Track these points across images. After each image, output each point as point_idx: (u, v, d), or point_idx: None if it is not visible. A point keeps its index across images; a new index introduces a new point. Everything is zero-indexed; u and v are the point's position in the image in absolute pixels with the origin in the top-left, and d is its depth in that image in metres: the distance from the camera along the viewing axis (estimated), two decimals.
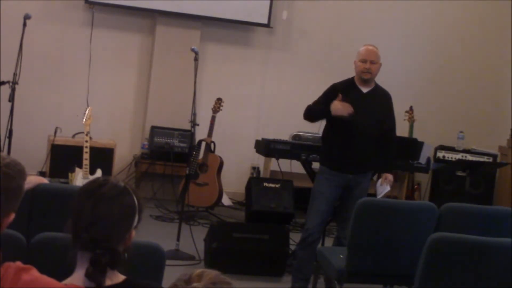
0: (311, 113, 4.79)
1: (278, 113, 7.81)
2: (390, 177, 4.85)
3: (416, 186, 7.62)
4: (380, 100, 4.81)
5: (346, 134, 4.68)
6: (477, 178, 6.98)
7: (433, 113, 8.06)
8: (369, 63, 4.66)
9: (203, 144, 6.78)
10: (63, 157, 6.55)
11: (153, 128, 7.26)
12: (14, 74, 5.73)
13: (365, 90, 4.75)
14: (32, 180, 3.27)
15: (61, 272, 1.91)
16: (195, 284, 1.46)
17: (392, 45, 7.66)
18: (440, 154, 7.65)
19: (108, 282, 1.89)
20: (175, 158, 7.10)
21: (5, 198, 1.83)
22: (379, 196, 4.88)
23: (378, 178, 5.29)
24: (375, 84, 4.80)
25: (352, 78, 4.79)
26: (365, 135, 4.70)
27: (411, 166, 6.47)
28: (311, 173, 5.94)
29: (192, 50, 5.66)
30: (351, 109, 4.55)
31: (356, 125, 4.64)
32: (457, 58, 8.16)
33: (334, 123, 4.71)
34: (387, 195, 4.97)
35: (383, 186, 4.85)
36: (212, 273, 1.50)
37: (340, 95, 4.58)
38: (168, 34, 7.39)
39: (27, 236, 2.53)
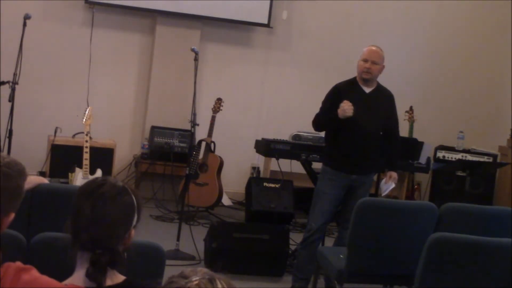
0: (320, 124, 4.80)
1: (278, 113, 7.81)
2: (394, 175, 4.85)
3: (416, 186, 7.62)
4: (383, 100, 4.80)
5: (349, 135, 4.66)
6: (477, 178, 6.98)
7: (433, 113, 8.06)
8: (370, 63, 4.64)
9: (203, 144, 6.78)
10: (63, 157, 6.55)
11: (153, 128, 7.26)
12: (14, 74, 5.73)
13: (367, 90, 4.74)
14: (32, 180, 3.27)
15: (61, 272, 1.91)
16: (195, 278, 1.46)
17: (392, 45, 7.65)
18: (440, 154, 7.64)
19: (108, 282, 1.89)
20: (175, 158, 7.10)
21: (4, 197, 1.83)
22: (384, 194, 4.88)
23: (379, 177, 5.30)
24: (378, 84, 4.79)
25: (354, 78, 4.77)
26: (368, 135, 4.69)
27: (411, 166, 6.47)
28: (311, 173, 5.95)
29: (192, 50, 5.66)
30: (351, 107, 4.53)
31: (359, 125, 4.62)
32: (457, 58, 8.16)
33: (337, 123, 4.69)
34: (385, 195, 4.97)
35: (388, 184, 4.85)
36: (203, 269, 1.50)
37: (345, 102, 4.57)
38: (168, 34, 7.39)
39: (27, 236, 2.53)
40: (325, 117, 4.72)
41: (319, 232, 4.79)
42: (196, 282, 1.44)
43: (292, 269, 5.04)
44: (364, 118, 4.64)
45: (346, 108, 4.52)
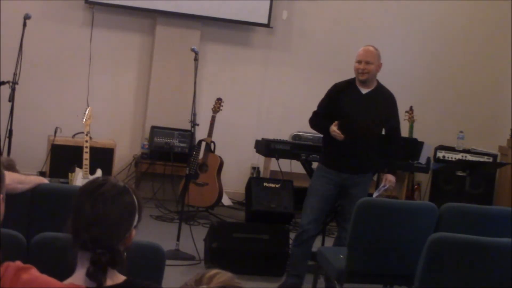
0: (315, 127, 4.94)
1: (278, 113, 7.81)
2: (389, 177, 4.82)
3: (416, 186, 7.62)
4: (381, 101, 4.79)
5: (344, 134, 4.66)
6: (477, 178, 6.97)
7: (433, 113, 8.06)
8: (364, 64, 4.66)
9: (203, 144, 6.78)
10: (63, 157, 6.55)
11: (153, 128, 7.26)
12: (14, 74, 5.73)
13: (364, 91, 4.75)
14: (32, 180, 3.27)
15: (61, 272, 1.91)
16: (203, 286, 1.46)
17: (392, 45, 7.66)
18: (440, 154, 7.64)
19: (109, 282, 1.89)
20: (175, 158, 7.09)
21: None
22: (374, 195, 4.87)
23: (379, 178, 5.30)
24: (377, 85, 4.79)
25: (353, 79, 4.80)
26: (362, 135, 4.69)
27: (411, 166, 6.47)
28: (311, 173, 5.94)
29: (192, 50, 5.66)
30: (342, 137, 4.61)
31: (354, 125, 4.64)
32: (457, 58, 8.16)
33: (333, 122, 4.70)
34: (385, 195, 4.97)
35: (381, 185, 4.85)
36: (225, 276, 1.49)
37: (336, 122, 4.62)
38: (168, 34, 7.39)
39: (27, 236, 2.53)
40: (320, 125, 4.84)
41: (311, 229, 4.75)
42: None
43: (287, 265, 5.06)
44: (359, 118, 4.65)
45: (336, 135, 4.61)
